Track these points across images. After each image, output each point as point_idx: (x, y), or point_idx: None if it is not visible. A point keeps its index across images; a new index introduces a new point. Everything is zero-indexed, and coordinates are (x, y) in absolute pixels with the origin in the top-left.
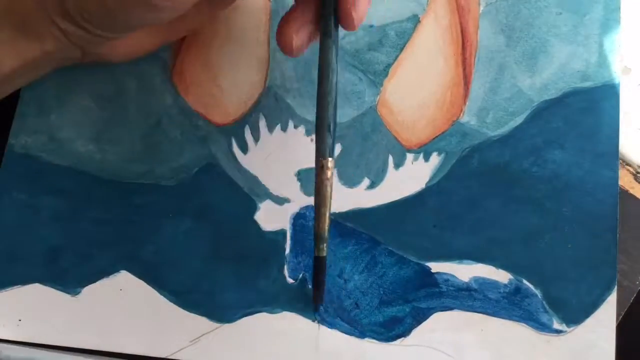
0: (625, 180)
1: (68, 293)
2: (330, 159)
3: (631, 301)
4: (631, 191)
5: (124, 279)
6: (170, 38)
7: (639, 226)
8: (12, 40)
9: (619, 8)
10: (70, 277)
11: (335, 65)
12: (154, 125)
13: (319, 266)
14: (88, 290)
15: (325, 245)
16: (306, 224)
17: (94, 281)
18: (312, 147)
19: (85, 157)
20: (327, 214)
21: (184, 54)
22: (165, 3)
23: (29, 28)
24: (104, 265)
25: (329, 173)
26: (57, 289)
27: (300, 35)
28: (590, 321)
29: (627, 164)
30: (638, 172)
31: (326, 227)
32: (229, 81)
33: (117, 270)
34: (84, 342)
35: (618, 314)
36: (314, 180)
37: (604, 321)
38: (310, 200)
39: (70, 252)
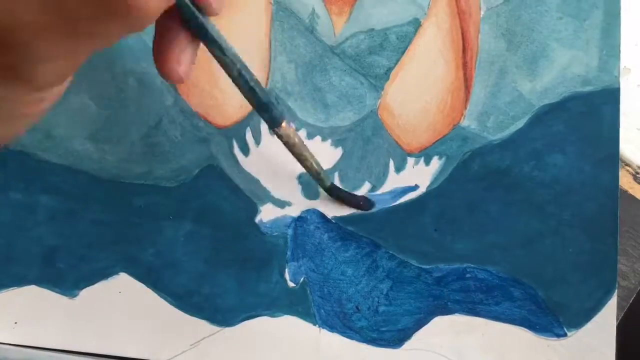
0: (624, 180)
1: (65, 295)
2: (283, 124)
3: (630, 302)
4: (630, 191)
5: (123, 281)
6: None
7: (638, 227)
8: None
9: (619, 13)
10: (67, 279)
11: (231, 51)
12: (154, 126)
13: (338, 193)
14: (86, 293)
15: (325, 175)
16: (307, 227)
17: (92, 283)
18: (312, 149)
19: (82, 156)
20: (313, 158)
21: None
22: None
23: None
24: (103, 267)
25: (292, 135)
26: (54, 291)
27: (183, 62)
28: (590, 325)
29: (627, 164)
30: (637, 173)
31: (316, 166)
32: (230, 83)
33: (116, 273)
34: (81, 345)
35: (617, 315)
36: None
37: (604, 325)
38: (312, 204)
39: (67, 254)
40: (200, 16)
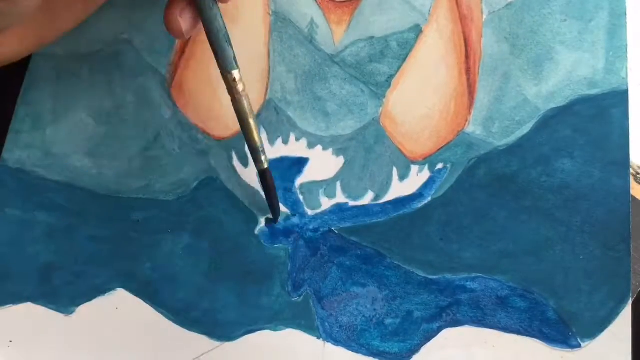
0: None
1: (62, 312)
2: (236, 70)
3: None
4: (631, 192)
5: (121, 297)
6: (44, 40)
7: (638, 227)
8: None
9: (625, 13)
10: (64, 296)
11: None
12: (152, 140)
13: (266, 179)
14: (83, 310)
15: (264, 156)
16: (309, 238)
17: (89, 300)
18: (313, 158)
19: (81, 172)
20: (255, 125)
21: (183, 68)
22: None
23: None
24: (100, 283)
25: (241, 86)
26: (50, 308)
27: (185, 18)
28: (605, 335)
29: None
30: (638, 173)
31: (257, 138)
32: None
33: (113, 288)
34: None
35: None
36: (231, 101)
37: (619, 335)
38: (313, 215)
39: (64, 270)
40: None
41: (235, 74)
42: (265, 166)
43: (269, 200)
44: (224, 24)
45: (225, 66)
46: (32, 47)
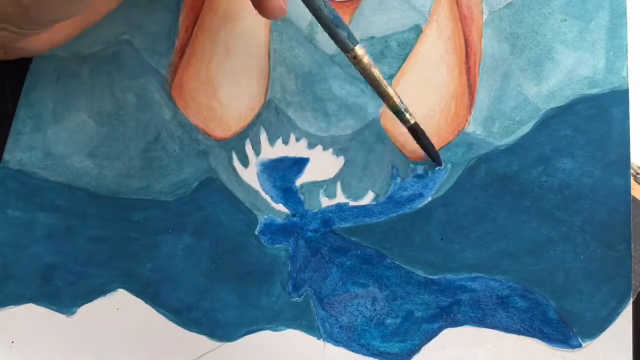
0: None
1: (63, 313)
2: (358, 45)
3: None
4: (632, 192)
5: (121, 297)
6: (88, 24)
7: (638, 228)
8: None
9: (625, 13)
10: (65, 297)
11: None
12: (152, 140)
13: (418, 133)
14: (84, 310)
15: (408, 113)
16: (310, 238)
17: (90, 300)
18: (313, 159)
19: (81, 172)
20: (391, 89)
21: (183, 69)
22: None
23: None
24: (100, 284)
25: (365, 59)
26: (52, 309)
27: None
28: (605, 335)
29: None
30: (638, 173)
31: (397, 100)
32: (229, 95)
33: (114, 289)
34: None
35: None
36: (360, 72)
37: (619, 335)
38: (314, 215)
39: (65, 271)
40: None
41: (357, 50)
42: (412, 122)
43: (426, 151)
44: (330, 7)
45: (343, 47)
46: (78, 30)
